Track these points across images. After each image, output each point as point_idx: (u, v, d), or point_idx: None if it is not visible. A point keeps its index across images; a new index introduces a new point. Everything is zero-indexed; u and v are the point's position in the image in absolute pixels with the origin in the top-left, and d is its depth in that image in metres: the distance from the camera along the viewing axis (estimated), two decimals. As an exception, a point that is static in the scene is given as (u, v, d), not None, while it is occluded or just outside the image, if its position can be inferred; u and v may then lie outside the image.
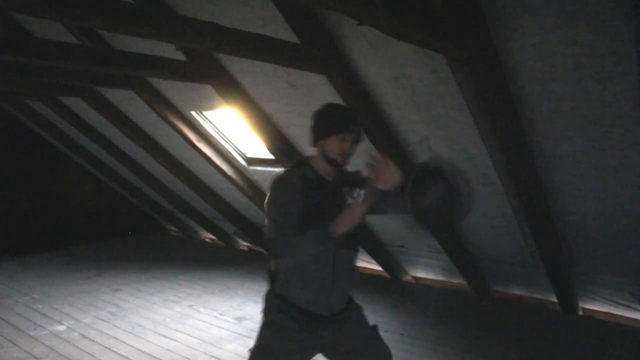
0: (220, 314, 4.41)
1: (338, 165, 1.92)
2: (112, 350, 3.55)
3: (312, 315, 1.91)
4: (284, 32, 3.06)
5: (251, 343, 2.01)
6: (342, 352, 2.02)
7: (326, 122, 1.90)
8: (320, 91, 3.49)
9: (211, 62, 3.84)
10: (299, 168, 1.95)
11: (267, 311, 1.97)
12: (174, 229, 8.37)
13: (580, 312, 4.44)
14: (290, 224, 1.83)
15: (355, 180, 1.96)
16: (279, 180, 1.92)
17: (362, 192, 1.90)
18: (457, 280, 5.03)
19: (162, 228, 8.59)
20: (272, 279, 1.98)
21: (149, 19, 2.32)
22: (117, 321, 4.16)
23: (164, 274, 5.75)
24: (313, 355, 2.03)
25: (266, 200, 1.92)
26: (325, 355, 2.08)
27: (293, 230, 1.81)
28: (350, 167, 2.05)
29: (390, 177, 1.76)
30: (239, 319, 4.26)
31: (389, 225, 4.71)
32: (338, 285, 1.94)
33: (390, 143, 3.60)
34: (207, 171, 5.66)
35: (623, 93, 2.43)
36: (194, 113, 4.87)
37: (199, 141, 5.11)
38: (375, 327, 2.09)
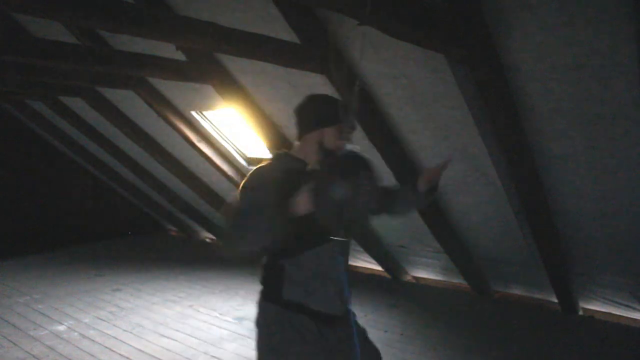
0: (221, 314, 4.41)
1: (333, 154, 1.71)
2: (112, 350, 3.55)
3: (326, 317, 1.71)
4: (284, 32, 3.06)
5: (251, 343, 1.97)
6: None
7: (330, 110, 1.72)
8: (320, 91, 3.47)
9: (211, 62, 3.84)
10: (279, 161, 1.76)
11: (272, 321, 1.71)
12: (174, 229, 8.37)
13: (580, 312, 4.44)
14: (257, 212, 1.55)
15: (352, 165, 1.75)
16: (258, 171, 1.70)
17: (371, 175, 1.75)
18: (457, 280, 5.02)
19: (162, 228, 8.59)
20: (271, 283, 1.73)
21: (149, 19, 2.33)
22: (117, 321, 4.16)
23: (164, 274, 5.75)
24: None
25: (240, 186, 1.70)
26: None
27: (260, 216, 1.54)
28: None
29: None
30: (240, 319, 4.25)
31: (389, 225, 4.71)
32: (345, 280, 1.75)
33: (390, 143, 3.60)
34: (207, 171, 5.66)
35: (623, 93, 2.43)
36: (194, 113, 4.87)
37: (199, 141, 5.12)
38: (364, 330, 1.96)
